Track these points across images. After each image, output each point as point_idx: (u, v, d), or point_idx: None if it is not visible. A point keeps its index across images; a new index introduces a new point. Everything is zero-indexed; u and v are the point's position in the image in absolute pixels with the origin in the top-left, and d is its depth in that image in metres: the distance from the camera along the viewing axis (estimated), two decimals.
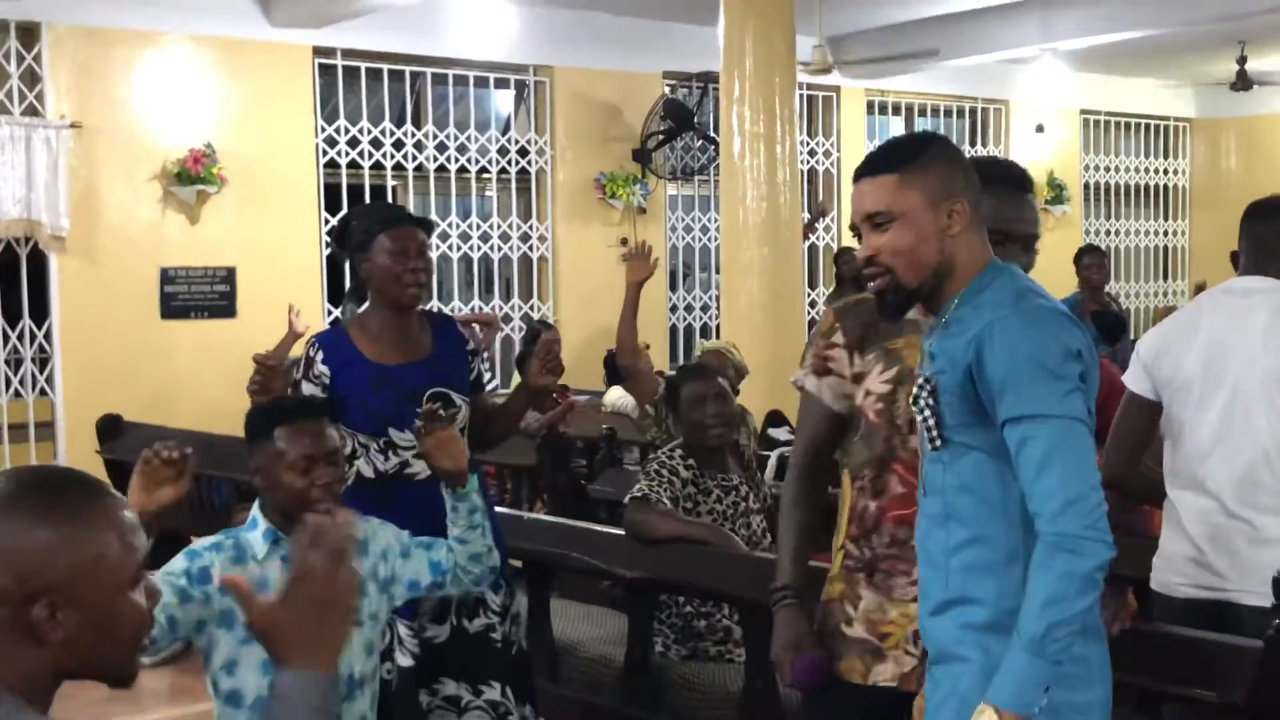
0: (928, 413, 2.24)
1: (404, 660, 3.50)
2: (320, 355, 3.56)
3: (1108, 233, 13.59)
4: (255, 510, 2.94)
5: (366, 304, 3.66)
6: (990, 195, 2.57)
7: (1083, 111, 13.21)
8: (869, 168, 2.33)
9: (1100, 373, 4.50)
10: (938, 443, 2.23)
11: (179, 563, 2.81)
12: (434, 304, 9.07)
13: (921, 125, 12.35)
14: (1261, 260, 3.28)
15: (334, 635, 1.76)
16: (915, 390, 2.27)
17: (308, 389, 3.54)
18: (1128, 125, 13.75)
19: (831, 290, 9.68)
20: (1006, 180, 2.70)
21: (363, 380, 3.51)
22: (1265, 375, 3.13)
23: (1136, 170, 13.83)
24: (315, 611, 1.74)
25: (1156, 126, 13.98)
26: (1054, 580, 2.08)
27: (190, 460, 2.76)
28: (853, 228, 2.40)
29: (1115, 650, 2.33)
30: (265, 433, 2.87)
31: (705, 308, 11.00)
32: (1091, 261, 7.94)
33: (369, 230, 3.56)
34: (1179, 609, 3.13)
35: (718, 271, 9.56)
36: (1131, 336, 8.07)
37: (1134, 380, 3.31)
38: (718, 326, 9.75)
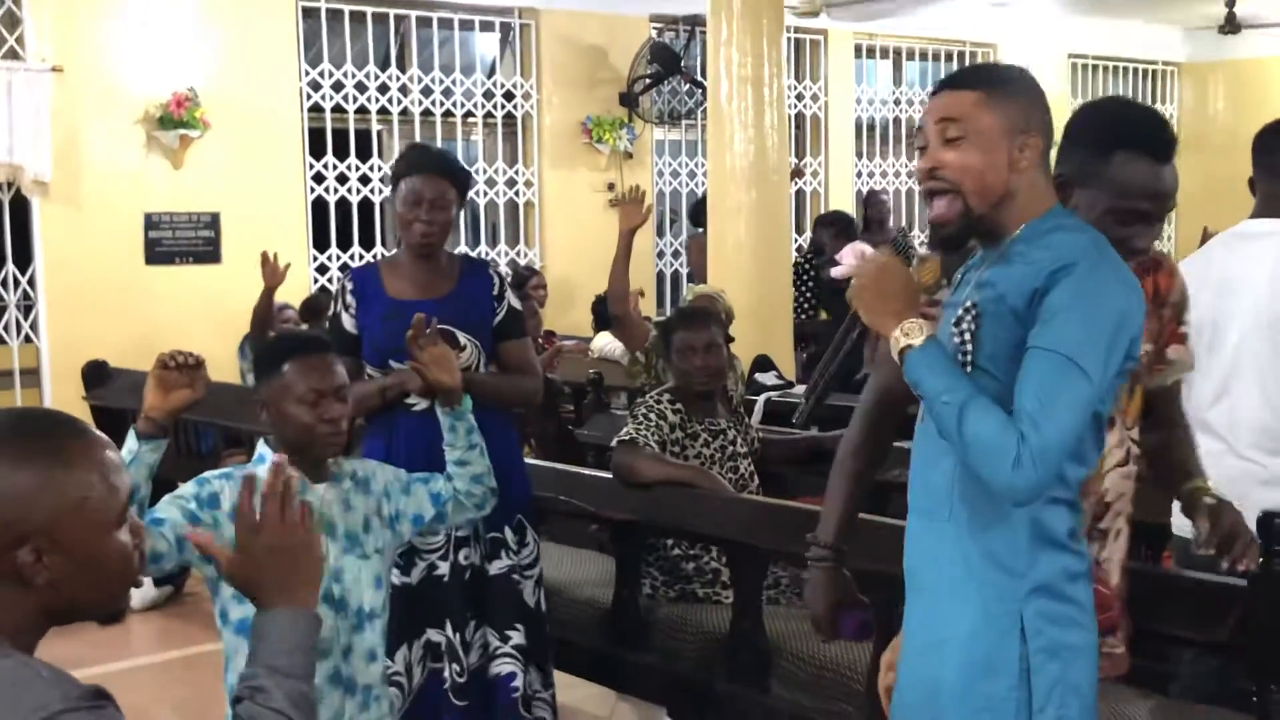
0: (968, 337, 2.17)
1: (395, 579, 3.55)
2: (351, 286, 3.70)
3: None
4: (262, 445, 2.97)
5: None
6: (1130, 160, 2.45)
7: (1070, 55, 13.15)
8: (953, 81, 2.26)
9: None
10: (968, 369, 2.16)
11: (188, 488, 2.83)
12: None
13: (909, 69, 12.29)
14: (1272, 195, 3.26)
15: (305, 573, 1.79)
16: (959, 314, 2.19)
17: (347, 320, 3.67)
18: (1116, 69, 13.70)
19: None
20: (1149, 147, 2.48)
21: (376, 313, 3.61)
22: (1273, 319, 3.12)
23: None
24: (275, 558, 1.77)
25: (1144, 70, 13.93)
26: (990, 432, 2.04)
27: (204, 367, 2.87)
28: (918, 143, 2.27)
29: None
30: (275, 367, 2.90)
31: None
32: None
33: (397, 171, 3.70)
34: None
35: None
36: None
37: None
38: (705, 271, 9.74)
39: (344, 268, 8.86)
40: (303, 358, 2.89)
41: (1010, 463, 2.02)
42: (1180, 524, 3.19)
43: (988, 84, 2.21)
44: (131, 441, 2.79)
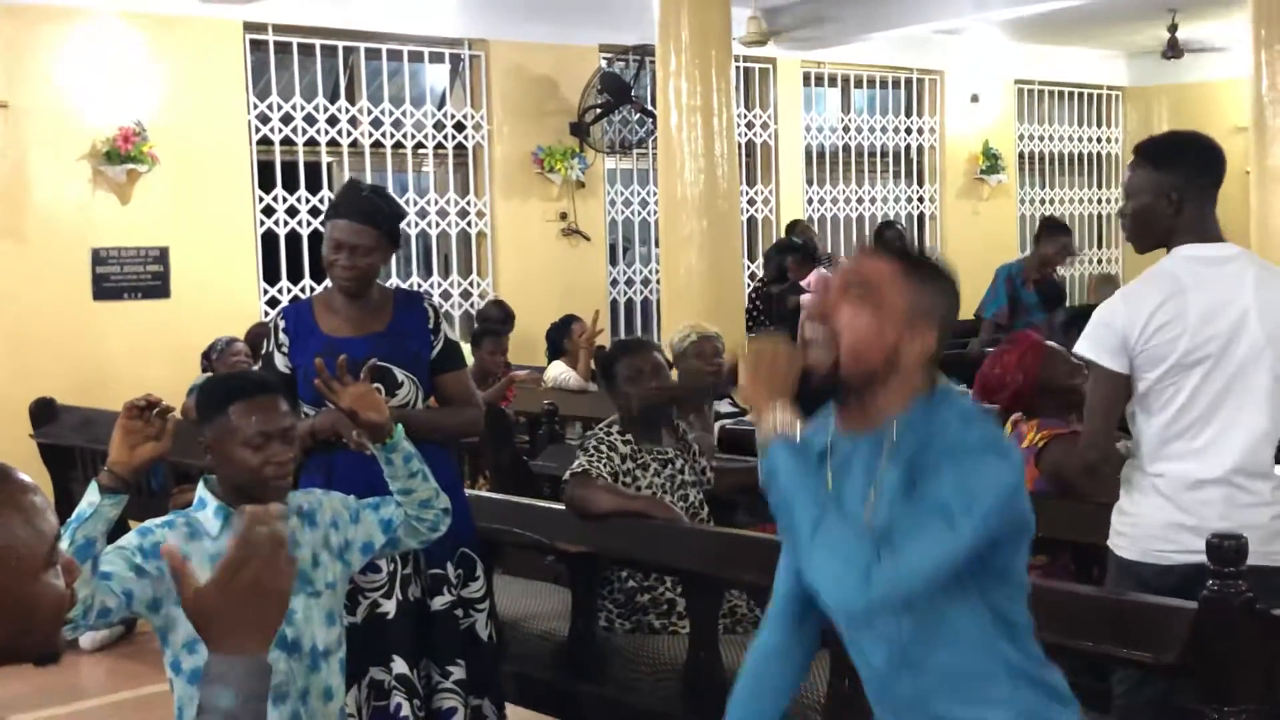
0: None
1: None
2: (283, 324, 3.70)
3: (1042, 201, 13.72)
4: (202, 489, 2.91)
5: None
6: None
7: (1017, 81, 13.29)
8: (879, 249, 2.24)
9: (1020, 339, 4.48)
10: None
11: (131, 538, 2.77)
12: None
13: (858, 97, 12.38)
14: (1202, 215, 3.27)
15: (268, 621, 1.75)
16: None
17: (279, 360, 3.66)
18: (1061, 94, 13.86)
19: None
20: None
21: (312, 351, 3.55)
22: (1257, 346, 3.12)
23: (1070, 139, 13.95)
24: (251, 596, 1.73)
25: (1089, 95, 14.11)
26: (849, 540, 2.03)
27: (169, 419, 2.78)
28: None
29: (1056, 613, 2.33)
30: (220, 408, 2.84)
31: (646, 281, 11.00)
32: (1066, 242, 7.84)
33: (329, 211, 3.71)
34: (1174, 575, 3.06)
35: (657, 245, 9.56)
36: (1066, 304, 8.14)
37: (1110, 356, 3.18)
38: (658, 300, 9.76)
39: (295, 301, 8.81)
40: (249, 399, 2.84)
41: (861, 572, 2.00)
42: (1145, 549, 3.18)
43: (908, 261, 2.18)
44: (93, 494, 2.72)
